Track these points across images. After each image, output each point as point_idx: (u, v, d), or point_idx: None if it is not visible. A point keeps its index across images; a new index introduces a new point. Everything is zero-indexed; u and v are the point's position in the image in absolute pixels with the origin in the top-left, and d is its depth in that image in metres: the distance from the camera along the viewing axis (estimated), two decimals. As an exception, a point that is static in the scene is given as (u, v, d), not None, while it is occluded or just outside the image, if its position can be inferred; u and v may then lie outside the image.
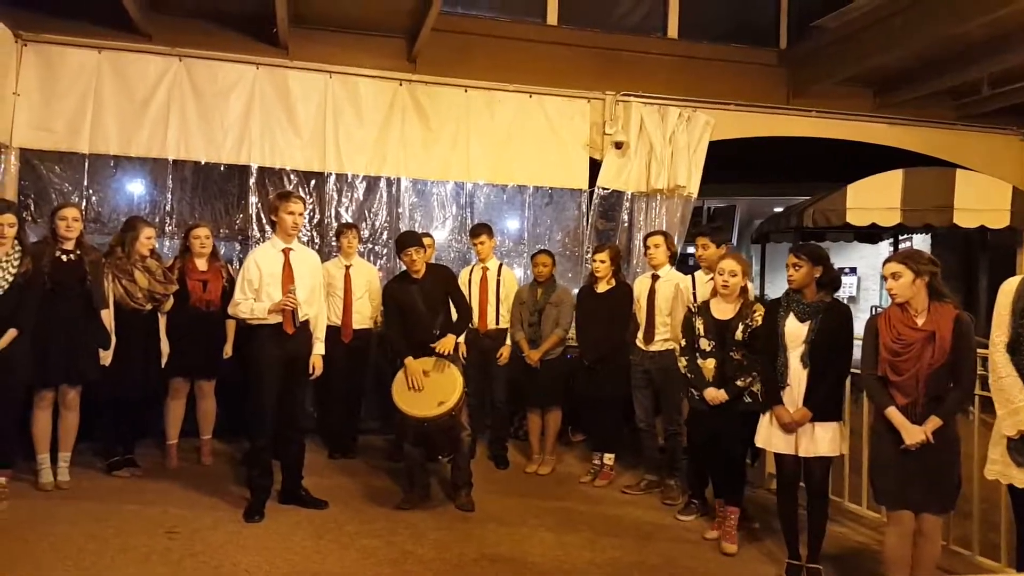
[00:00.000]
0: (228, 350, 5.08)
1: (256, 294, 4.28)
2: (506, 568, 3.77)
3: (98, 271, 4.54)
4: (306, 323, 4.40)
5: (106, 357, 4.59)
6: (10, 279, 4.02)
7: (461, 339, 4.86)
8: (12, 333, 4.00)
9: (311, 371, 4.45)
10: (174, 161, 6.14)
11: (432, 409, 4.37)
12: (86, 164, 5.98)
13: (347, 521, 4.27)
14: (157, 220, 6.05)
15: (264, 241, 4.68)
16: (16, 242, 4.10)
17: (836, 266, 3.97)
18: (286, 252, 4.34)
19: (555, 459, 5.56)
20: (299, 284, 4.29)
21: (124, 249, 4.79)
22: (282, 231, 4.36)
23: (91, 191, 6.04)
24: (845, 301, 4.19)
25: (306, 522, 4.22)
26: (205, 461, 5.20)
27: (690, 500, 4.63)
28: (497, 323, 5.56)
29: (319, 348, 4.49)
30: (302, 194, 6.38)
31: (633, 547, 4.10)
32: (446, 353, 4.57)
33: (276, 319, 4.25)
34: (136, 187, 6.35)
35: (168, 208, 6.17)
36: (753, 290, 4.36)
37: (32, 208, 5.87)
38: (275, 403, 4.30)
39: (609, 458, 5.29)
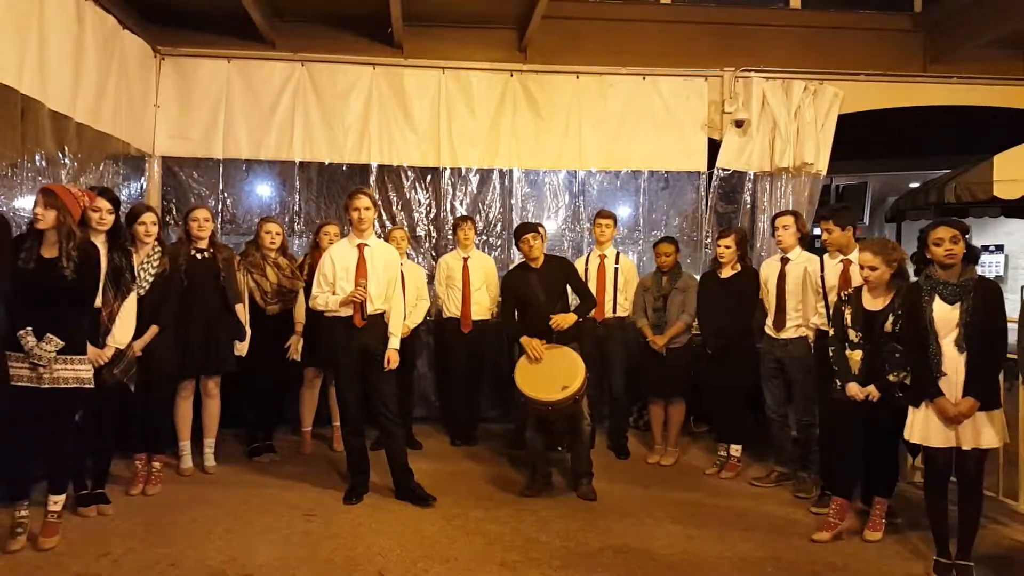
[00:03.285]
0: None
1: (331, 288, 4.38)
2: (632, 559, 3.69)
3: (231, 268, 4.80)
4: (379, 316, 4.44)
5: (242, 349, 4.85)
6: (151, 278, 4.28)
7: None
8: (154, 330, 4.25)
9: (386, 364, 4.42)
10: (300, 163, 6.45)
11: (556, 393, 4.35)
12: (220, 169, 6.37)
13: (472, 507, 4.33)
14: (287, 220, 6.39)
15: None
16: (156, 243, 4.37)
17: (981, 244, 3.64)
18: (360, 247, 4.42)
19: (678, 450, 5.43)
20: (373, 278, 4.36)
21: (256, 246, 5.09)
22: (353, 226, 4.46)
23: (226, 194, 6.43)
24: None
25: (433, 507, 4.31)
26: (336, 447, 5.39)
27: (823, 493, 4.39)
28: (615, 312, 5.48)
29: (394, 342, 4.44)
30: (418, 190, 6.56)
31: (765, 541, 3.93)
32: (562, 329, 4.54)
33: (348, 311, 4.34)
34: (266, 189, 6.70)
35: (296, 208, 6.49)
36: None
37: (174, 212, 6.32)
38: (357, 392, 4.39)
39: (736, 449, 5.11)
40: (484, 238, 6.60)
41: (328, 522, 4.05)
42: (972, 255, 3.47)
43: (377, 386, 4.41)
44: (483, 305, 5.72)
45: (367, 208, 4.40)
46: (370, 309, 4.37)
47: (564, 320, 4.58)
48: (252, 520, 4.03)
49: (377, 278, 4.40)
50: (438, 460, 5.25)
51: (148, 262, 4.30)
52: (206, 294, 4.67)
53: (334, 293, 4.37)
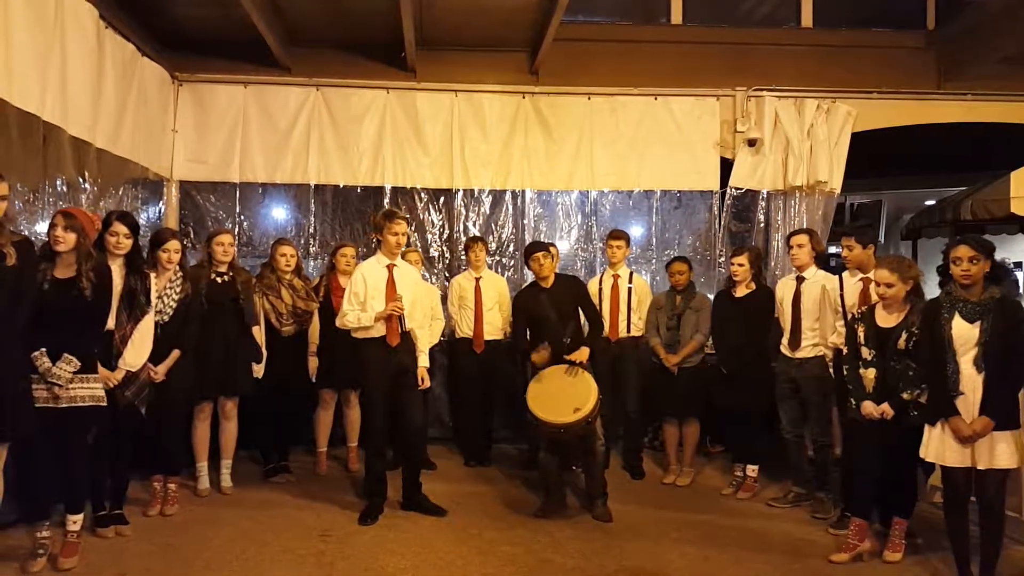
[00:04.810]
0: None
1: (362, 306, 4.43)
2: (648, 581, 3.68)
3: (249, 290, 4.84)
4: (410, 335, 4.52)
5: (259, 370, 4.88)
6: (175, 304, 4.34)
7: None
8: (176, 354, 4.30)
9: (420, 383, 4.55)
10: (315, 186, 6.52)
11: (568, 416, 4.34)
12: (237, 192, 6.47)
13: (486, 528, 4.31)
14: (301, 242, 6.45)
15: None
16: (178, 268, 4.43)
17: (998, 261, 3.59)
18: (390, 268, 4.49)
19: (694, 470, 5.39)
20: (404, 298, 4.42)
21: (271, 268, 5.14)
22: (386, 249, 4.51)
23: (242, 217, 6.51)
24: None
25: (447, 528, 4.31)
26: (352, 468, 5.41)
27: (843, 514, 4.34)
28: (628, 331, 5.48)
29: (424, 360, 4.59)
30: (431, 212, 6.61)
31: (782, 562, 3.88)
32: (578, 363, 4.55)
33: (380, 331, 4.39)
34: (282, 212, 6.79)
35: (311, 230, 6.56)
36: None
37: (191, 235, 6.39)
38: (386, 413, 4.43)
39: (752, 469, 5.07)
40: (497, 258, 6.64)
41: (343, 543, 4.05)
42: (995, 275, 3.44)
43: (409, 405, 4.49)
44: (495, 325, 5.74)
45: (404, 232, 4.50)
46: (406, 324, 4.43)
47: (580, 356, 4.58)
48: (268, 541, 4.04)
49: (406, 298, 4.45)
50: (452, 480, 5.23)
51: (171, 287, 4.34)
52: (225, 317, 4.71)
53: (364, 311, 4.42)
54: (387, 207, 5.03)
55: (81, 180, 4.85)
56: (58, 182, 4.58)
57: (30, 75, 4.22)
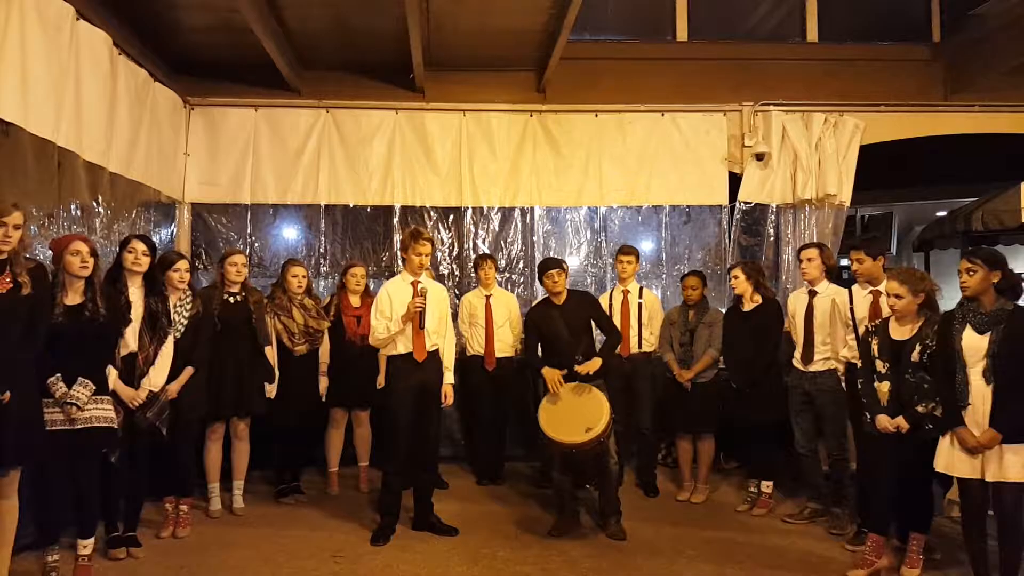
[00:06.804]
0: (381, 381, 5.26)
1: (389, 320, 4.46)
2: (664, 599, 3.64)
3: (261, 310, 4.87)
4: (435, 353, 4.53)
5: (271, 391, 4.89)
6: (186, 321, 4.36)
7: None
8: (189, 371, 4.32)
9: (443, 400, 4.56)
10: (326, 206, 6.58)
11: (579, 435, 4.32)
12: (248, 214, 6.52)
13: (499, 547, 4.29)
14: (312, 262, 6.49)
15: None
16: (186, 287, 4.46)
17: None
18: (414, 284, 4.51)
19: (708, 487, 5.34)
20: (427, 314, 4.44)
21: (283, 289, 5.15)
22: (410, 267, 4.56)
23: (253, 238, 6.56)
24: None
25: (461, 547, 4.28)
26: (362, 488, 5.40)
27: (859, 529, 4.30)
28: (640, 347, 5.46)
29: (448, 377, 4.60)
30: (441, 230, 6.63)
31: (800, 580, 3.85)
32: (589, 374, 4.53)
33: (407, 347, 4.42)
34: (292, 232, 6.82)
35: (322, 250, 6.60)
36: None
37: (203, 256, 6.45)
38: (409, 430, 4.43)
39: (767, 485, 5.03)
40: (506, 275, 6.65)
41: (355, 563, 4.03)
42: (1003, 285, 3.42)
43: (430, 422, 4.53)
44: (506, 342, 5.73)
45: (428, 254, 4.55)
46: (428, 345, 4.44)
47: (591, 367, 4.56)
48: (281, 562, 4.03)
49: (431, 314, 4.47)
50: (465, 500, 5.21)
51: (181, 304, 4.37)
52: (238, 337, 4.73)
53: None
54: (413, 226, 5.05)
55: (95, 204, 4.90)
56: (72, 206, 4.63)
57: (45, 101, 4.28)
